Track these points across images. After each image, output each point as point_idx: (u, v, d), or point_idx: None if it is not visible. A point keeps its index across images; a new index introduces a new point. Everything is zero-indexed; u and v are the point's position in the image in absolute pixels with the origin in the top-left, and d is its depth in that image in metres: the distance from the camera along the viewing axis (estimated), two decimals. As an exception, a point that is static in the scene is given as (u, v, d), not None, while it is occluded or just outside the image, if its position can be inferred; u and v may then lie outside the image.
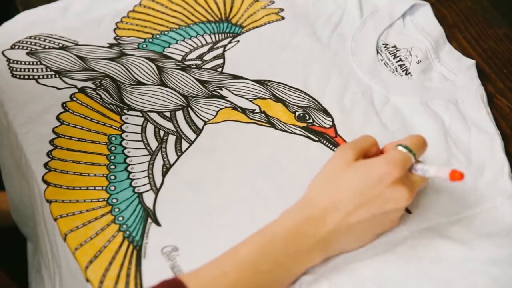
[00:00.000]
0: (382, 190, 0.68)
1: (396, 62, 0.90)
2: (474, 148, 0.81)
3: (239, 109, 0.84)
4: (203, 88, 0.86)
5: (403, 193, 0.68)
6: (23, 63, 0.88)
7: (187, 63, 0.89)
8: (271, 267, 0.67)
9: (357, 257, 0.71)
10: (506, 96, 0.88)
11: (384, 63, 0.90)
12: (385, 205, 0.69)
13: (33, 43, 0.90)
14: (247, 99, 0.85)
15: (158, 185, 0.77)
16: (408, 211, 0.75)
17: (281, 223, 0.69)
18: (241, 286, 0.66)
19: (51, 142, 0.81)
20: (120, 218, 0.74)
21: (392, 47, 0.92)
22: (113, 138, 0.81)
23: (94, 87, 0.86)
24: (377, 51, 0.91)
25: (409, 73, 0.89)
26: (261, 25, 0.94)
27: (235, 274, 0.65)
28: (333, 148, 0.81)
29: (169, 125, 0.83)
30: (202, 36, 0.92)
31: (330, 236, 0.68)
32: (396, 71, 0.89)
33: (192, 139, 0.81)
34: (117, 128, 0.82)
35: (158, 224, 0.74)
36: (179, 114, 0.84)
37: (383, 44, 0.92)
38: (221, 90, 0.86)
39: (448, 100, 0.86)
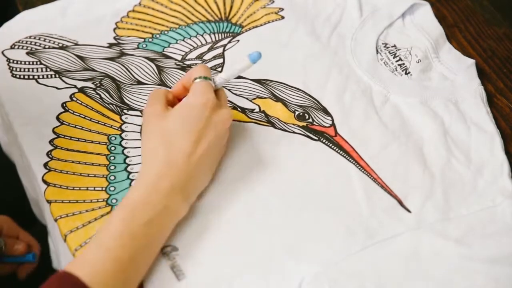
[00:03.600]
0: (207, 119, 0.73)
1: (396, 61, 0.90)
2: (474, 147, 0.81)
3: (238, 109, 0.84)
4: (203, 88, 0.86)
5: (225, 112, 0.75)
6: (23, 63, 0.88)
7: (187, 62, 0.89)
8: (146, 230, 0.68)
9: (357, 257, 0.71)
10: (506, 96, 0.88)
11: (384, 62, 0.90)
12: (216, 130, 0.74)
13: (33, 43, 0.90)
14: (246, 98, 0.85)
15: (157, 185, 0.77)
16: (407, 210, 0.75)
17: (138, 186, 0.71)
18: (125, 256, 0.67)
19: (51, 142, 0.81)
20: (120, 218, 0.74)
21: (392, 46, 0.92)
22: (113, 138, 0.81)
23: (94, 87, 0.86)
24: (377, 51, 0.91)
25: (409, 72, 0.89)
26: (261, 25, 0.94)
27: (116, 247, 0.67)
28: (332, 147, 0.81)
29: (168, 125, 0.82)
30: (202, 35, 0.92)
31: (184, 183, 0.71)
32: (396, 70, 0.89)
33: (192, 139, 0.81)
34: (117, 128, 0.82)
35: (158, 224, 0.74)
36: (179, 114, 0.84)
37: (383, 43, 0.92)
38: (221, 89, 0.86)
39: (447, 100, 0.86)
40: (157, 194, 0.70)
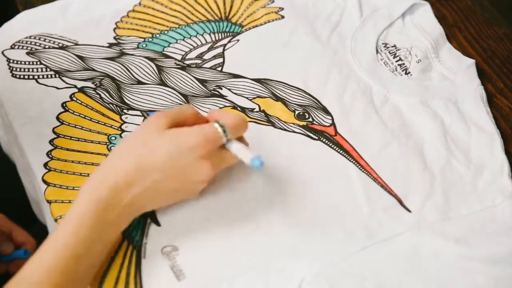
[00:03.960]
0: (190, 161, 0.69)
1: (396, 61, 0.90)
2: (474, 147, 0.81)
3: (238, 108, 0.84)
4: (203, 87, 0.86)
5: (206, 168, 0.69)
6: (23, 63, 0.88)
7: (187, 62, 0.89)
8: (88, 247, 0.67)
9: (357, 257, 0.71)
10: (506, 96, 0.88)
11: (384, 62, 0.90)
12: (190, 177, 0.70)
13: (33, 43, 0.90)
14: (246, 98, 0.85)
15: (157, 185, 0.77)
16: (407, 210, 0.75)
17: (84, 200, 0.68)
18: (64, 279, 0.65)
19: (51, 142, 0.81)
20: (120, 218, 0.74)
21: (392, 46, 0.92)
22: (113, 138, 0.81)
23: (94, 86, 0.86)
24: (377, 51, 0.91)
25: (409, 72, 0.89)
26: (261, 24, 0.94)
27: (57, 271, 0.65)
28: (332, 146, 0.81)
29: (169, 125, 0.82)
30: (202, 35, 0.92)
31: (136, 201, 0.69)
32: (396, 70, 0.89)
33: (192, 139, 0.81)
34: (117, 128, 0.82)
35: (157, 224, 0.74)
36: (179, 114, 0.84)
37: (382, 43, 0.92)
38: (221, 89, 0.86)
39: (447, 100, 0.86)
40: (104, 207, 0.67)
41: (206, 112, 0.83)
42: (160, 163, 0.68)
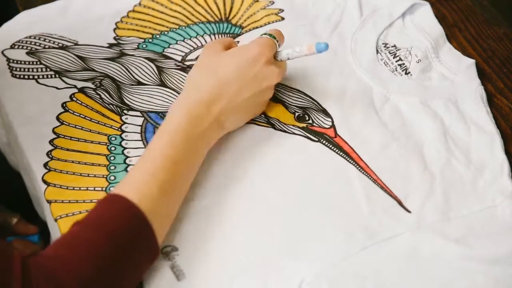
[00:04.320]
0: (258, 69, 0.77)
1: (396, 61, 0.90)
2: (474, 147, 0.81)
3: (238, 109, 0.84)
4: (203, 88, 0.86)
5: (275, 71, 0.78)
6: (23, 62, 0.88)
7: (187, 63, 0.89)
8: (184, 155, 0.73)
9: (357, 257, 0.71)
10: (506, 96, 0.88)
11: (384, 62, 0.90)
12: (262, 83, 0.78)
13: (33, 43, 0.90)
14: (246, 99, 0.85)
15: (158, 185, 0.77)
16: (407, 210, 0.75)
17: (178, 113, 0.74)
18: (167, 180, 0.70)
19: (51, 142, 0.81)
20: (120, 219, 0.74)
21: (392, 46, 0.92)
22: (113, 139, 0.81)
23: (94, 87, 0.86)
24: (377, 51, 0.91)
25: (409, 72, 0.89)
26: (261, 26, 0.94)
27: (160, 172, 0.70)
28: (332, 148, 0.81)
29: (169, 125, 0.82)
30: (202, 36, 0.92)
31: (221, 116, 0.76)
32: (396, 70, 0.89)
33: (192, 139, 0.81)
34: (117, 129, 0.82)
35: (158, 224, 0.74)
36: (179, 114, 0.84)
37: (383, 43, 0.92)
38: (221, 89, 0.86)
39: (448, 100, 0.86)
40: (195, 120, 0.74)
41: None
42: (235, 76, 0.76)
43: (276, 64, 0.79)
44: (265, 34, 0.80)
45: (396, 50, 0.91)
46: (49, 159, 0.79)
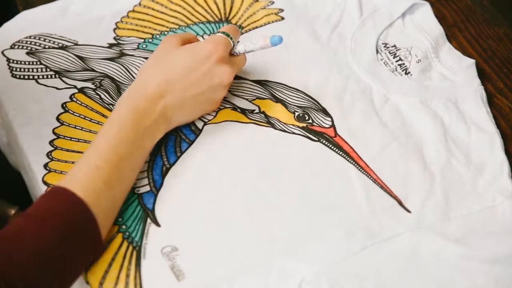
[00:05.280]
0: (209, 66, 0.78)
1: (396, 61, 0.90)
2: (474, 147, 0.82)
3: (238, 110, 0.84)
4: (203, 88, 0.86)
5: (226, 70, 0.78)
6: (23, 63, 0.88)
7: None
8: (130, 149, 0.73)
9: (357, 257, 0.71)
10: (506, 96, 0.88)
11: (384, 62, 0.90)
12: (212, 81, 0.78)
13: (32, 43, 0.90)
14: (246, 99, 0.85)
15: (157, 185, 0.77)
16: (407, 210, 0.75)
17: (123, 108, 0.75)
18: (112, 174, 0.71)
19: (51, 143, 0.81)
20: (119, 219, 0.74)
21: (392, 46, 0.92)
22: (112, 139, 0.81)
23: (94, 87, 0.86)
24: (377, 51, 0.91)
25: (409, 72, 0.89)
26: (261, 26, 0.94)
27: (105, 165, 0.71)
28: (332, 148, 0.81)
29: (168, 125, 0.83)
30: (202, 36, 0.92)
31: (167, 111, 0.76)
32: (396, 70, 0.89)
33: (192, 140, 0.81)
34: (117, 129, 0.82)
35: (157, 224, 0.74)
36: (179, 115, 0.84)
37: (382, 43, 0.92)
38: (221, 90, 0.86)
39: (448, 100, 0.86)
40: (141, 114, 0.74)
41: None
42: (184, 73, 0.77)
43: (230, 63, 0.80)
44: (219, 32, 0.81)
45: (396, 50, 0.91)
46: (49, 160, 0.79)
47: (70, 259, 0.67)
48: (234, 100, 0.85)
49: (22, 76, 0.87)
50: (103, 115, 0.83)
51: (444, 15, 0.97)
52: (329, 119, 0.83)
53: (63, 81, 0.87)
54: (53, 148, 0.80)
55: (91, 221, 0.68)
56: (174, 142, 0.81)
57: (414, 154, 0.80)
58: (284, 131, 0.82)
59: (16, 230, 0.66)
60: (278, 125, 0.83)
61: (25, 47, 0.90)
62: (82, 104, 0.84)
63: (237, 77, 0.85)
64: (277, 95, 0.85)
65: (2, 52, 0.89)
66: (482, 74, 0.89)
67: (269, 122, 0.83)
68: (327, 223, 0.74)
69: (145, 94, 0.75)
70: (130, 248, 0.73)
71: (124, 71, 0.88)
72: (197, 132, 0.82)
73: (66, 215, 0.67)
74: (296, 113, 0.84)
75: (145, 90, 0.76)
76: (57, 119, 0.83)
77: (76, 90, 0.86)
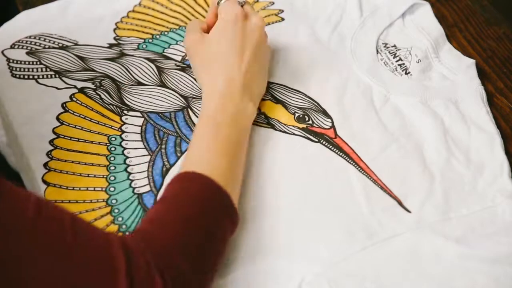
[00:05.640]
0: (242, 30, 0.81)
1: (396, 61, 0.90)
2: (474, 147, 0.81)
3: (239, 109, 0.84)
4: (203, 89, 0.86)
5: (255, 20, 0.82)
6: (23, 62, 0.88)
7: (187, 63, 0.89)
8: (234, 131, 0.76)
9: (357, 257, 0.71)
10: (506, 96, 0.88)
11: (384, 62, 0.90)
12: (254, 38, 0.81)
13: (32, 43, 0.90)
14: (246, 99, 0.85)
15: (158, 185, 0.77)
16: (407, 210, 0.75)
17: (210, 96, 0.78)
18: (231, 154, 0.74)
19: (51, 142, 0.81)
20: (120, 219, 0.74)
21: (392, 46, 0.92)
22: (113, 139, 0.81)
23: (94, 87, 0.86)
24: (377, 51, 0.91)
25: (409, 72, 0.89)
26: (261, 26, 0.94)
27: (221, 147, 0.74)
28: (332, 149, 0.81)
29: (169, 126, 0.83)
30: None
31: (245, 88, 0.79)
32: (396, 70, 0.89)
33: (192, 140, 0.81)
34: (117, 129, 0.82)
35: (158, 224, 0.74)
36: (179, 115, 0.84)
37: (383, 43, 0.92)
38: (221, 90, 0.86)
39: (448, 100, 0.86)
40: (229, 105, 0.77)
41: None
42: (228, 50, 0.80)
43: (251, 15, 0.83)
44: (220, 1, 0.84)
45: (396, 50, 0.91)
46: (49, 159, 0.79)
47: (216, 234, 0.68)
48: (234, 100, 0.85)
49: (22, 76, 0.87)
50: (103, 115, 0.83)
51: (444, 15, 0.97)
52: (329, 120, 0.83)
53: (63, 81, 0.87)
54: (53, 148, 0.80)
55: (227, 198, 0.70)
56: (174, 142, 0.81)
57: (414, 154, 0.80)
58: (284, 132, 0.82)
59: (160, 215, 0.67)
60: (278, 126, 0.83)
61: (25, 47, 0.90)
62: (82, 104, 0.84)
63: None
64: (277, 96, 0.85)
65: (2, 52, 0.89)
66: (482, 74, 0.89)
67: (269, 123, 0.83)
68: (327, 223, 0.74)
69: (224, 78, 0.78)
70: (130, 248, 0.72)
71: (124, 71, 0.88)
72: (197, 132, 0.82)
73: (207, 195, 0.69)
74: (296, 114, 0.84)
75: (224, 75, 0.79)
76: (57, 118, 0.83)
77: (76, 90, 0.86)
